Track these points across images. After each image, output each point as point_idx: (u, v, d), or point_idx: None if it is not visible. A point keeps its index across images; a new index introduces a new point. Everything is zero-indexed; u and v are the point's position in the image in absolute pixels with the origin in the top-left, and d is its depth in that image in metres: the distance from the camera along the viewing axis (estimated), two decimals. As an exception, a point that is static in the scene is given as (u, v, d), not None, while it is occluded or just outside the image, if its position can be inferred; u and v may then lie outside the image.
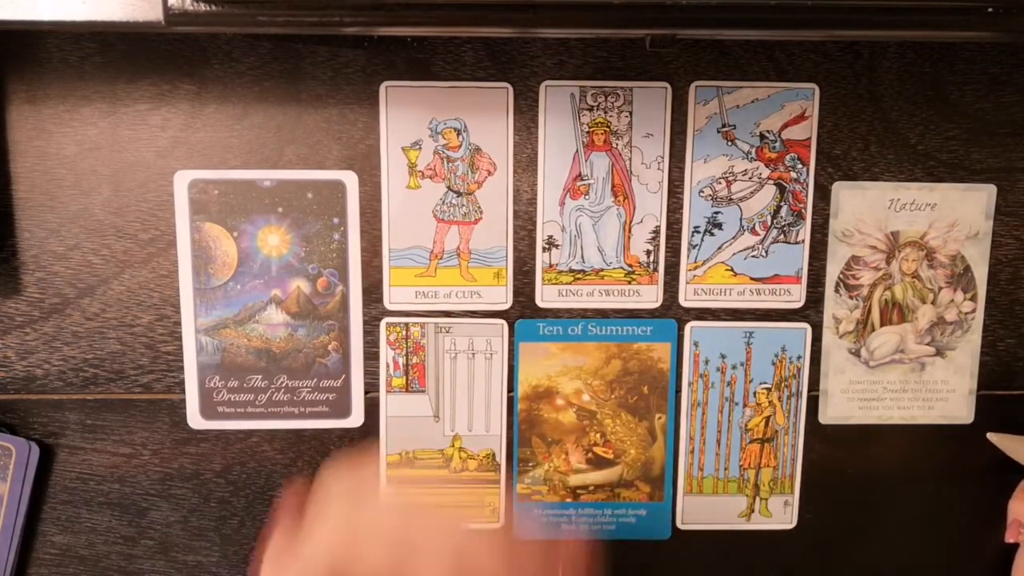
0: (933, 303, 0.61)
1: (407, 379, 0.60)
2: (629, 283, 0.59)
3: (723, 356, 0.61)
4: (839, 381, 0.61)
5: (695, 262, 0.59)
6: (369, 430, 0.60)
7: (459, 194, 0.58)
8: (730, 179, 0.59)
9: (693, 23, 0.47)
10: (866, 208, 0.59)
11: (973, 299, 0.61)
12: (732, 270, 0.60)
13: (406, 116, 0.57)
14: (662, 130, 0.58)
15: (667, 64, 0.57)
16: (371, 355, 0.60)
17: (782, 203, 0.59)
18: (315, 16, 0.45)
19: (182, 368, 0.59)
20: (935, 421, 0.62)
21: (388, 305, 0.59)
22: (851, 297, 0.60)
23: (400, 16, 0.46)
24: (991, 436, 0.62)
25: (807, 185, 0.59)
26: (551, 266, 0.59)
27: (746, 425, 0.62)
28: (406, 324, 0.59)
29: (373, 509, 0.46)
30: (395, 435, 0.61)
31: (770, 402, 0.61)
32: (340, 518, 0.45)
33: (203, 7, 0.44)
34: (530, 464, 0.61)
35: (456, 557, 0.44)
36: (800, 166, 0.59)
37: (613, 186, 0.58)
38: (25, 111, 0.56)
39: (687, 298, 0.60)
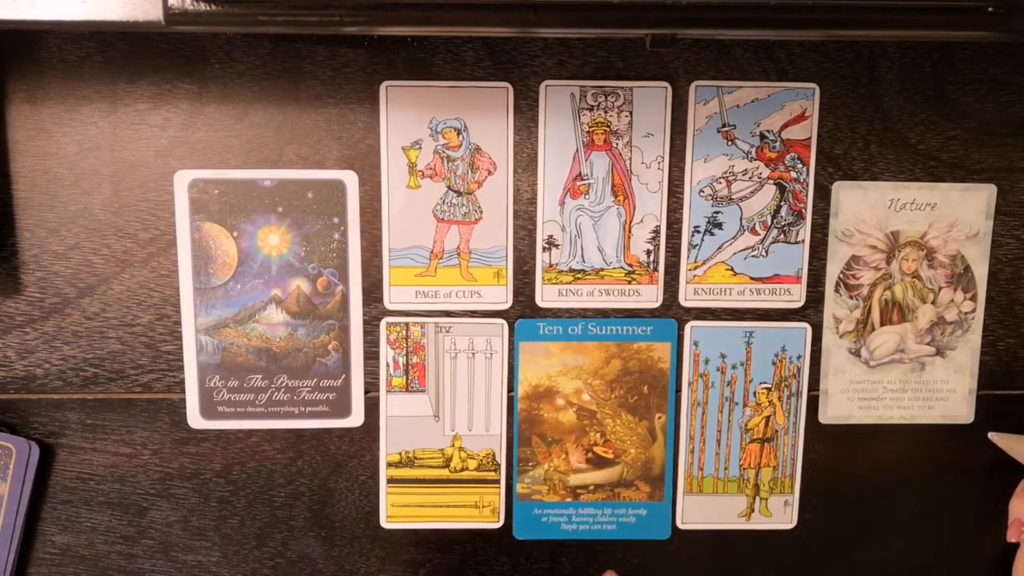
0: (933, 303, 0.61)
1: (407, 379, 0.60)
2: (629, 283, 0.59)
3: (723, 356, 0.61)
4: (839, 381, 0.61)
5: (695, 262, 0.59)
6: (369, 430, 0.60)
7: (459, 194, 0.58)
8: (730, 179, 0.59)
9: (693, 23, 0.47)
10: (866, 208, 0.59)
11: (973, 299, 0.61)
12: (732, 270, 0.60)
13: (406, 116, 0.57)
14: (662, 130, 0.58)
15: (667, 64, 0.57)
16: (371, 355, 0.60)
17: (782, 203, 0.59)
18: (315, 16, 0.45)
19: (182, 368, 0.59)
20: (935, 421, 0.62)
21: (388, 305, 0.59)
22: (851, 297, 0.60)
23: (400, 16, 0.46)
24: (992, 436, 0.62)
25: (807, 185, 0.59)
26: (551, 266, 0.59)
27: (746, 425, 0.62)
28: (406, 324, 0.59)
29: None
30: (395, 435, 0.61)
31: (770, 402, 0.61)
32: None
33: (203, 7, 0.44)
34: (530, 464, 0.61)
35: None
36: (800, 166, 0.59)
37: (613, 186, 0.58)
38: (25, 111, 0.56)
39: (687, 298, 0.60)
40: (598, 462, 0.62)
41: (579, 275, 0.59)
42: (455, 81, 0.57)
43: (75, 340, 0.58)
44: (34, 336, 0.58)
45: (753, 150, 0.58)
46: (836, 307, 0.61)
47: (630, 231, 0.59)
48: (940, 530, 0.64)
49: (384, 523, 0.62)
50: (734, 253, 0.59)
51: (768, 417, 0.62)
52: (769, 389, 0.61)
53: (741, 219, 0.59)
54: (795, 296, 0.60)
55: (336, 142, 0.57)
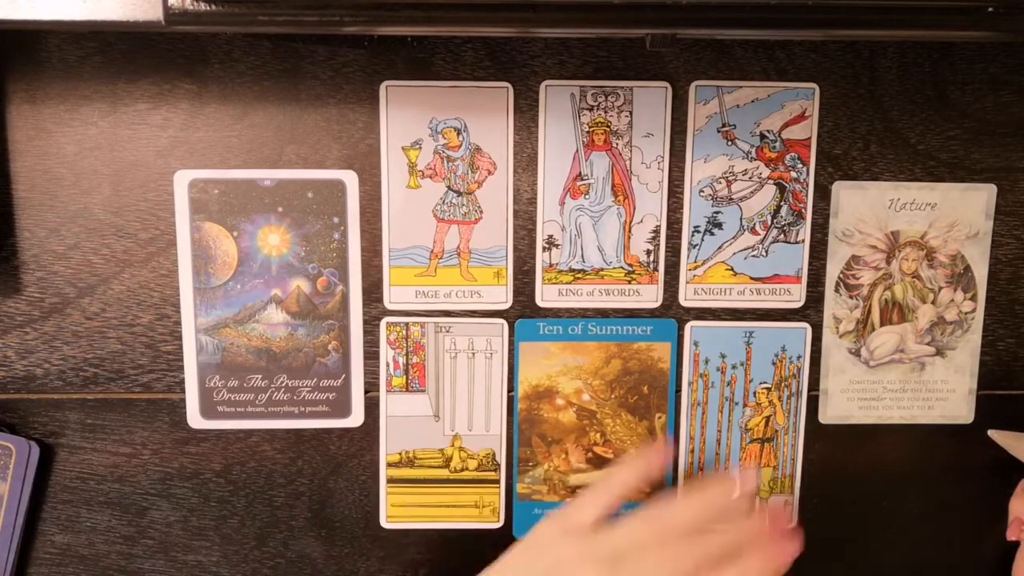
0: (933, 303, 0.61)
1: (407, 379, 0.60)
2: (629, 283, 0.59)
3: (723, 356, 0.61)
4: (839, 381, 0.61)
5: (695, 262, 0.59)
6: (369, 430, 0.60)
7: (459, 194, 0.58)
8: (730, 179, 0.59)
9: (693, 23, 0.47)
10: (866, 208, 0.59)
11: (973, 299, 0.61)
12: (732, 270, 0.60)
13: (406, 116, 0.57)
14: (662, 130, 0.58)
15: (667, 64, 0.57)
16: (371, 355, 0.60)
17: (782, 203, 0.59)
18: (315, 16, 0.45)
19: (182, 368, 0.59)
20: (935, 421, 0.62)
21: (388, 305, 0.59)
22: (851, 297, 0.60)
23: (400, 16, 0.46)
24: (992, 433, 0.62)
25: (807, 185, 0.59)
26: (551, 266, 0.59)
27: (746, 425, 0.62)
28: (406, 324, 0.59)
29: None
30: (395, 435, 0.61)
31: (770, 402, 0.61)
32: None
33: (203, 6, 0.44)
34: (530, 464, 0.61)
35: None
36: (800, 166, 0.59)
37: (613, 186, 0.58)
38: (25, 111, 0.56)
39: (687, 298, 0.60)
40: (598, 462, 0.62)
41: (579, 275, 0.59)
42: (455, 81, 0.57)
43: (75, 340, 0.58)
44: (34, 336, 0.58)
45: (753, 150, 0.58)
46: (836, 307, 0.61)
47: (630, 231, 0.59)
48: (940, 530, 0.64)
49: (384, 523, 0.62)
50: (734, 253, 0.59)
51: (768, 417, 0.62)
52: (769, 389, 0.61)
53: (741, 219, 0.59)
54: (795, 296, 0.60)
55: (336, 142, 0.57)
